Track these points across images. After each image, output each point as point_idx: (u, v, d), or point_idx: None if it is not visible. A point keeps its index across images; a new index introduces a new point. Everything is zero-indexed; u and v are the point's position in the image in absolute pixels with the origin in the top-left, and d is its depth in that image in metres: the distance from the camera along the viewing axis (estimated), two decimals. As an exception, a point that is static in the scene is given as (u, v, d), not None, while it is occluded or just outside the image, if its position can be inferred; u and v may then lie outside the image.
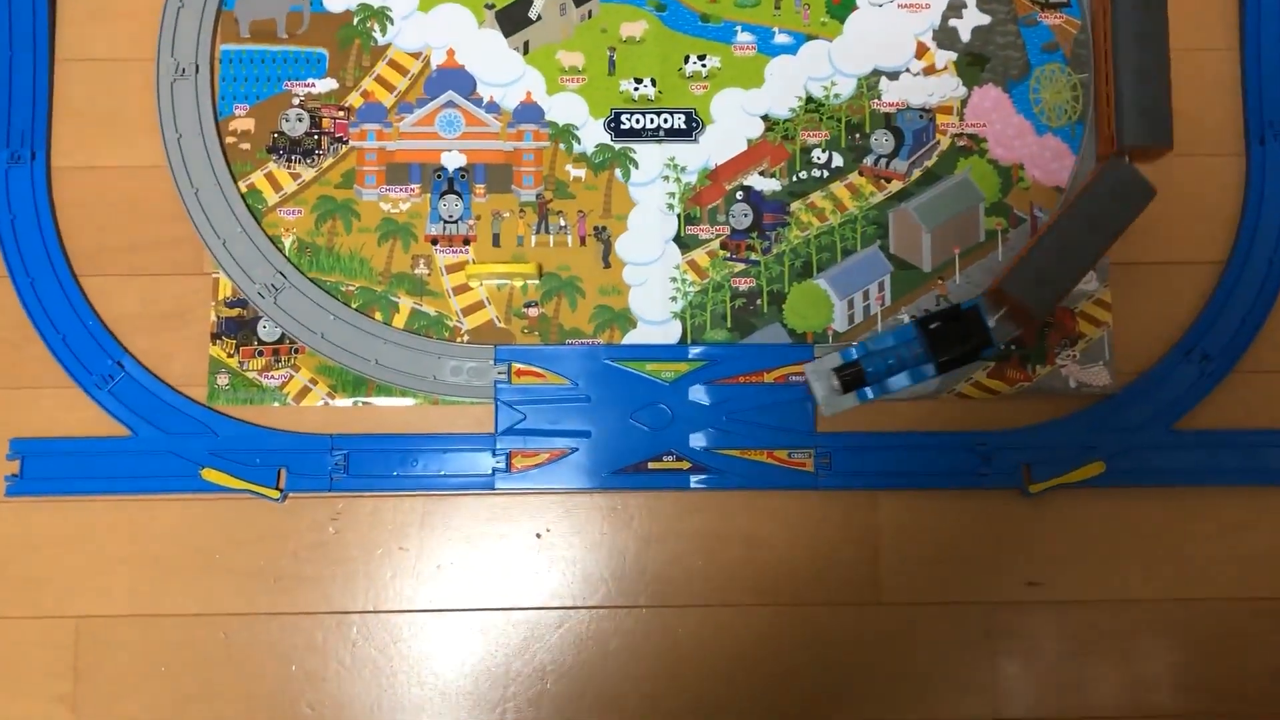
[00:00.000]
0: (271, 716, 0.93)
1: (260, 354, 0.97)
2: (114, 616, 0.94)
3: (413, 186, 0.99)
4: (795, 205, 0.99)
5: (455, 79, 1.00)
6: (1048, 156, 0.99)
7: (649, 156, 0.99)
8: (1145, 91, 0.89)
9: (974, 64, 1.01)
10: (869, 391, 0.92)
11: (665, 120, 1.00)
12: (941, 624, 0.95)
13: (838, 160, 0.99)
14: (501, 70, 1.00)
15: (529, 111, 1.00)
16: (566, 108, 1.00)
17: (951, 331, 0.91)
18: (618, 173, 0.99)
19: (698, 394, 0.95)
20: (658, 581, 0.95)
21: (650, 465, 0.95)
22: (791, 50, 1.01)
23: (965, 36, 1.01)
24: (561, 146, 1.00)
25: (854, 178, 0.99)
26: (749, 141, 1.00)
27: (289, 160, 0.99)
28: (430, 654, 0.94)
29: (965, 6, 1.01)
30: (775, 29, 1.01)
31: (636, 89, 1.00)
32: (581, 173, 0.99)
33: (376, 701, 0.94)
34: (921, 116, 1.00)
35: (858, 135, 1.00)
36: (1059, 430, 0.95)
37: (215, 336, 0.97)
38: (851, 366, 0.92)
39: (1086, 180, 0.91)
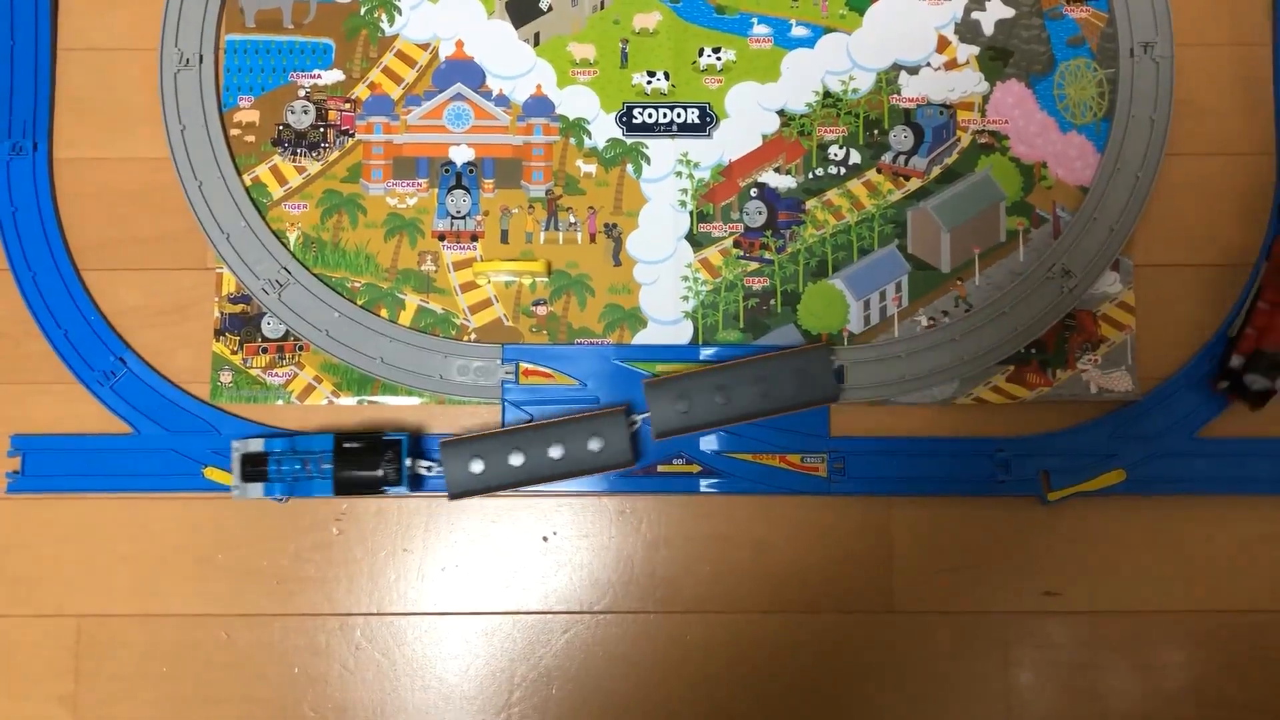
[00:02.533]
0: (273, 718, 0.92)
1: (264, 351, 0.95)
2: (115, 616, 0.93)
3: (420, 181, 0.97)
4: (811, 203, 0.97)
5: (464, 71, 0.98)
6: (1072, 155, 0.97)
7: (661, 152, 0.97)
8: None
9: (997, 58, 0.98)
10: (275, 488, 0.89)
11: (678, 115, 0.97)
12: (956, 633, 0.93)
13: (855, 157, 0.97)
14: (511, 62, 0.98)
15: (539, 105, 0.98)
16: (577, 101, 0.98)
17: (364, 456, 0.88)
18: (629, 168, 0.97)
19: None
20: (666, 586, 0.93)
21: (660, 468, 0.93)
22: (809, 43, 0.98)
23: (988, 30, 0.98)
24: (572, 141, 0.97)
25: (872, 175, 0.97)
26: (764, 137, 0.97)
27: (294, 153, 0.97)
28: (434, 657, 0.93)
29: (988, -1, 0.98)
30: (792, 21, 0.99)
31: (649, 82, 0.98)
32: (592, 168, 0.97)
33: (379, 705, 0.92)
34: (942, 112, 0.97)
35: (876, 131, 0.97)
36: (1079, 437, 0.93)
37: (218, 333, 0.95)
38: (258, 459, 0.89)
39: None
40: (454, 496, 0.89)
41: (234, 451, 0.89)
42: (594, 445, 0.88)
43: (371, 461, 0.88)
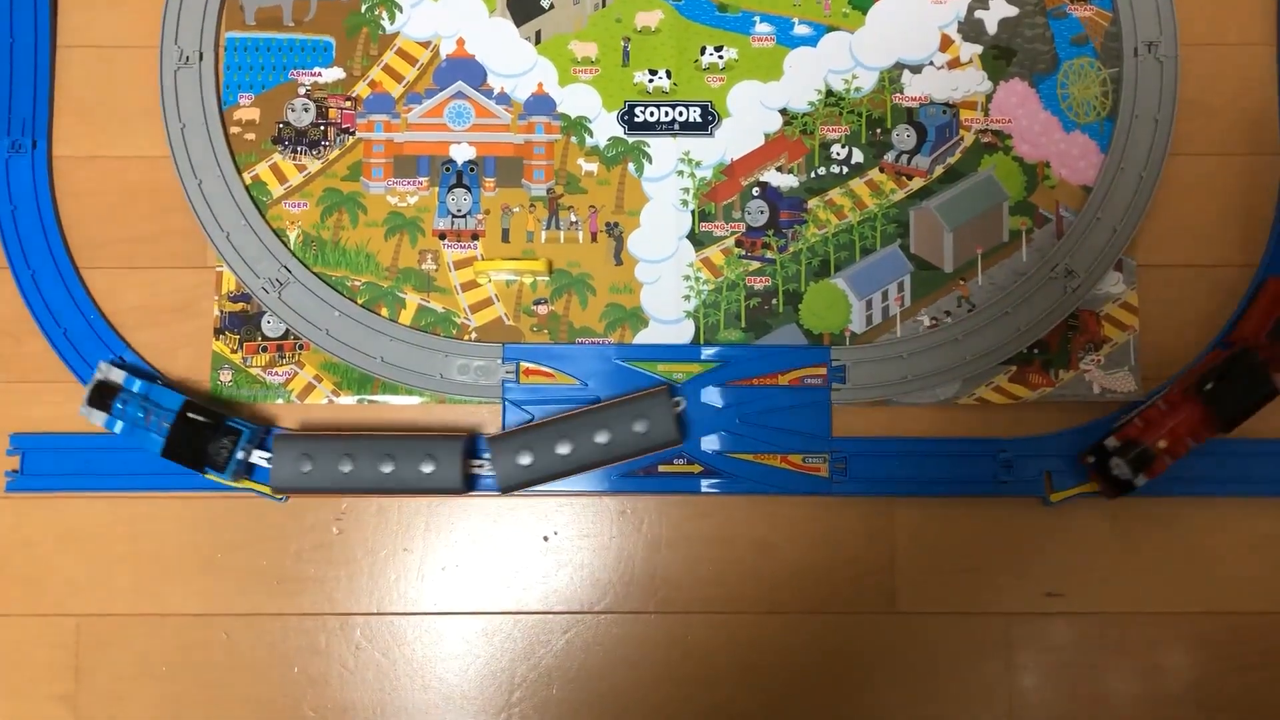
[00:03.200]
0: (273, 718, 0.92)
1: (264, 350, 0.95)
2: (115, 615, 0.93)
3: (420, 179, 0.97)
4: (813, 202, 0.96)
5: (465, 69, 0.98)
6: (1075, 154, 0.96)
7: (663, 151, 0.97)
8: None
9: (1000, 57, 0.97)
10: (112, 423, 0.88)
11: (680, 113, 0.97)
12: (958, 634, 0.92)
13: (858, 156, 0.97)
14: (513, 60, 0.98)
15: (540, 103, 0.97)
16: (579, 100, 0.97)
17: (201, 431, 0.87)
18: (631, 167, 0.97)
19: (710, 396, 0.93)
20: (667, 587, 0.93)
21: (661, 468, 0.93)
22: (811, 42, 0.98)
23: (991, 29, 0.98)
24: (573, 140, 0.97)
25: (874, 174, 0.96)
26: (766, 136, 0.97)
27: (294, 151, 0.97)
28: (435, 657, 0.93)
29: (992, -3, 0.98)
30: (795, 19, 0.98)
31: (651, 81, 0.97)
32: (594, 167, 0.97)
33: (380, 705, 0.92)
34: (945, 112, 0.97)
35: (879, 130, 0.97)
36: (1082, 437, 0.92)
37: (218, 331, 0.95)
38: (110, 390, 0.88)
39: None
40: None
41: (97, 371, 0.89)
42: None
43: (205, 440, 0.88)
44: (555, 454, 0.87)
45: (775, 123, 0.97)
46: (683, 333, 0.95)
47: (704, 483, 0.92)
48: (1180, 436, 0.87)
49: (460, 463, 0.88)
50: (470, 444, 0.90)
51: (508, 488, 0.88)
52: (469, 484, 0.90)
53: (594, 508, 0.94)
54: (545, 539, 0.94)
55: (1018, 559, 0.93)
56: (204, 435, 0.88)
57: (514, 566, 0.94)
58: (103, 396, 0.89)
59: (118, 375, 0.89)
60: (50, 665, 0.92)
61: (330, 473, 0.87)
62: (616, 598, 0.93)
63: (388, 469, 0.87)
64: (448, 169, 0.97)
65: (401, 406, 0.94)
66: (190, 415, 0.88)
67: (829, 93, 0.97)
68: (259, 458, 0.89)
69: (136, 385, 0.89)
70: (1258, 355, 0.87)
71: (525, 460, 0.88)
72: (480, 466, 0.90)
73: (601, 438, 0.87)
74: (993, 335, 0.94)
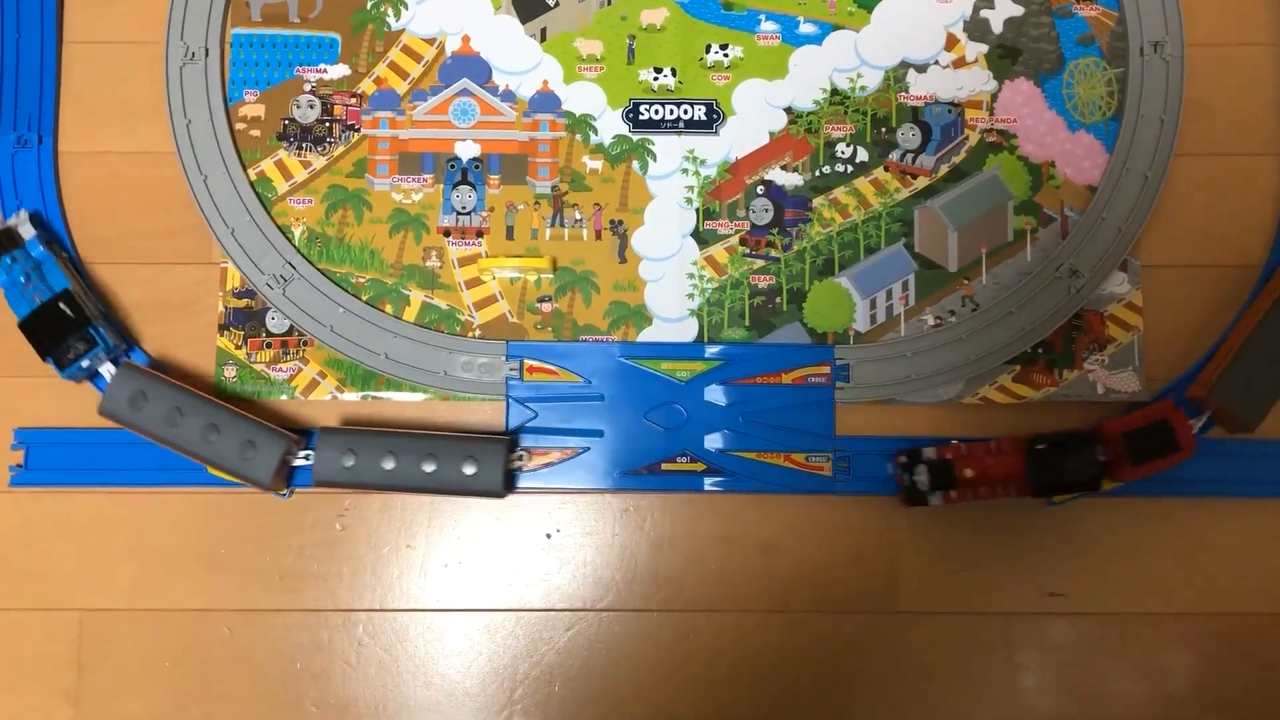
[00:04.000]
0: (276, 714, 0.92)
1: (268, 346, 0.95)
2: (117, 610, 0.93)
3: (425, 176, 0.97)
4: (818, 201, 0.96)
5: (470, 66, 0.98)
6: (1080, 154, 0.96)
7: (668, 149, 0.97)
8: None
9: (1005, 57, 0.97)
10: None
11: (685, 111, 0.97)
12: (960, 634, 0.92)
13: (862, 155, 0.97)
14: (518, 58, 0.98)
15: (545, 100, 0.97)
16: (584, 97, 0.97)
17: (63, 324, 0.88)
18: (635, 165, 0.97)
19: (714, 394, 0.93)
20: (670, 585, 0.93)
21: (664, 466, 0.93)
22: (817, 40, 0.98)
23: (997, 28, 0.98)
24: (578, 137, 0.97)
25: (879, 173, 0.96)
26: (771, 134, 0.97)
27: (299, 148, 0.97)
28: (437, 654, 0.93)
29: (998, -3, 0.98)
30: (800, 18, 0.98)
31: (656, 79, 0.97)
32: (598, 164, 0.97)
33: (382, 702, 0.92)
34: (950, 111, 0.97)
35: (884, 129, 0.97)
36: (1086, 438, 0.92)
37: (223, 327, 0.95)
38: (8, 240, 0.89)
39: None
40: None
41: (15, 216, 0.90)
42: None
43: (63, 333, 0.88)
44: (378, 466, 0.87)
45: (780, 121, 0.97)
46: (686, 331, 0.95)
47: (707, 481, 0.92)
48: (990, 480, 0.87)
49: (503, 464, 0.88)
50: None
51: (320, 482, 0.88)
52: (509, 484, 0.90)
53: (597, 505, 0.94)
54: (548, 536, 0.94)
55: (1020, 559, 0.93)
56: (64, 328, 0.88)
57: (517, 564, 0.94)
58: (1, 243, 0.89)
59: (27, 231, 0.90)
60: (52, 660, 0.92)
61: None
62: (619, 596, 0.93)
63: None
64: (452, 166, 0.97)
65: (405, 403, 0.94)
66: (62, 305, 0.88)
67: (834, 91, 0.97)
68: (299, 458, 0.90)
69: (38, 251, 0.89)
70: (1106, 443, 0.87)
71: (348, 462, 0.87)
72: (307, 457, 0.89)
73: (428, 467, 0.87)
74: (997, 335, 0.94)
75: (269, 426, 0.89)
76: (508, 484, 0.90)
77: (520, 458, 0.91)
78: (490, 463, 0.88)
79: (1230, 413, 0.88)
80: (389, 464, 0.87)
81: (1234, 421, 0.89)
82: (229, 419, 0.88)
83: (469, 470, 0.87)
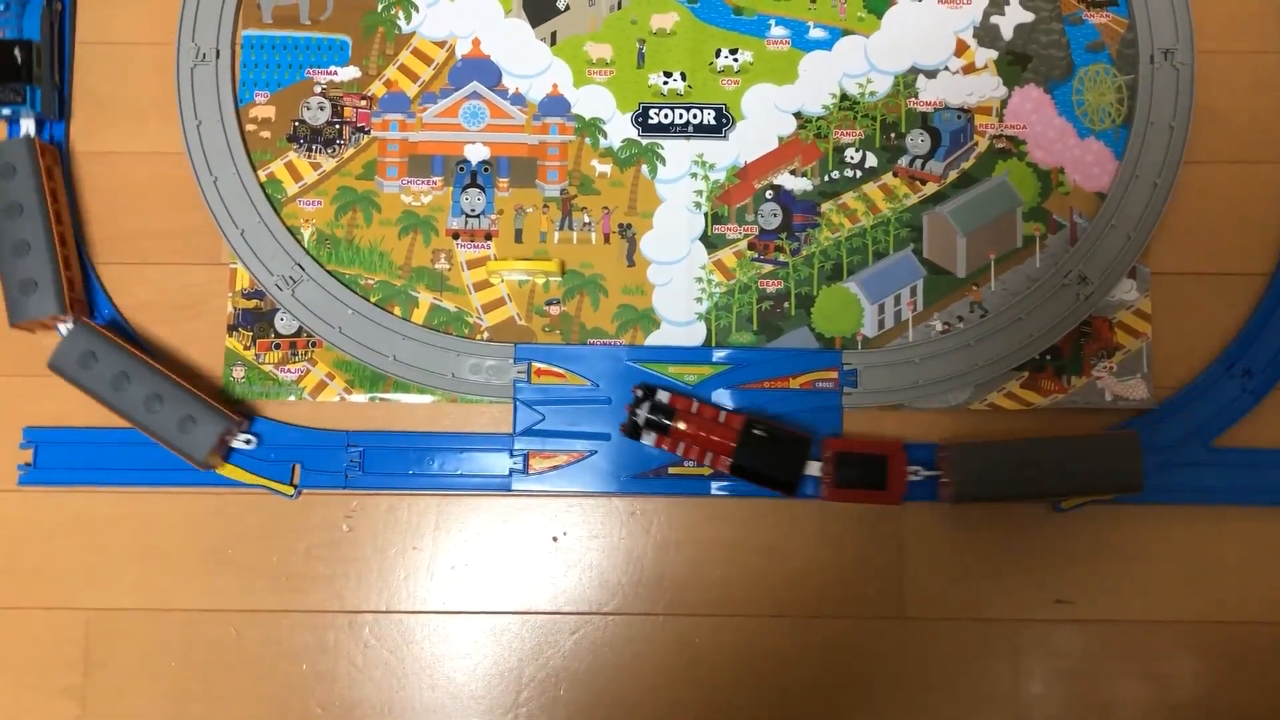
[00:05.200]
0: (281, 715, 0.92)
1: (277, 347, 0.95)
2: (124, 610, 0.93)
3: (435, 179, 0.97)
4: (826, 206, 0.96)
5: (480, 69, 0.98)
6: (1089, 161, 0.96)
7: (677, 153, 0.97)
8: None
9: (1015, 63, 0.97)
10: None
11: (695, 116, 0.97)
12: (966, 640, 0.92)
13: (872, 160, 0.97)
14: (528, 61, 0.98)
15: (555, 104, 0.98)
16: (593, 101, 0.97)
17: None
18: (644, 169, 0.97)
19: (721, 398, 0.93)
20: (676, 589, 0.93)
21: (671, 470, 0.93)
22: (827, 45, 0.98)
23: (1007, 34, 0.98)
24: (587, 141, 0.97)
25: (888, 179, 0.96)
26: (780, 139, 0.97)
27: (309, 149, 0.97)
28: (443, 656, 0.93)
29: (1008, 3, 0.98)
30: (810, 23, 0.98)
31: (666, 83, 0.97)
32: (607, 168, 0.97)
33: (387, 703, 0.92)
34: (959, 117, 0.97)
35: (893, 135, 0.97)
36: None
37: (232, 328, 0.95)
38: None
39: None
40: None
41: None
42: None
43: None
44: (106, 384, 0.88)
45: (789, 126, 0.97)
46: (694, 335, 0.95)
47: (714, 485, 0.92)
48: (700, 443, 0.88)
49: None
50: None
51: (52, 366, 0.88)
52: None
53: (603, 509, 0.94)
54: (554, 539, 0.94)
55: (1027, 566, 0.93)
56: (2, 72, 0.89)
57: (523, 566, 0.94)
58: None
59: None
60: (59, 658, 0.92)
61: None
62: (625, 599, 0.93)
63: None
64: (462, 169, 0.97)
65: (413, 405, 0.94)
66: (16, 51, 0.89)
67: (843, 97, 0.97)
68: (240, 441, 0.90)
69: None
70: (822, 456, 0.88)
71: (87, 365, 0.88)
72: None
73: (154, 408, 0.88)
74: (1005, 341, 0.93)
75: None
76: (226, 456, 0.91)
77: (248, 441, 0.91)
78: (204, 431, 0.87)
79: (950, 485, 0.87)
80: (121, 388, 0.88)
81: (946, 493, 0.88)
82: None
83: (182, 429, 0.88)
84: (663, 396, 0.89)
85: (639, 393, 0.90)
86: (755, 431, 0.88)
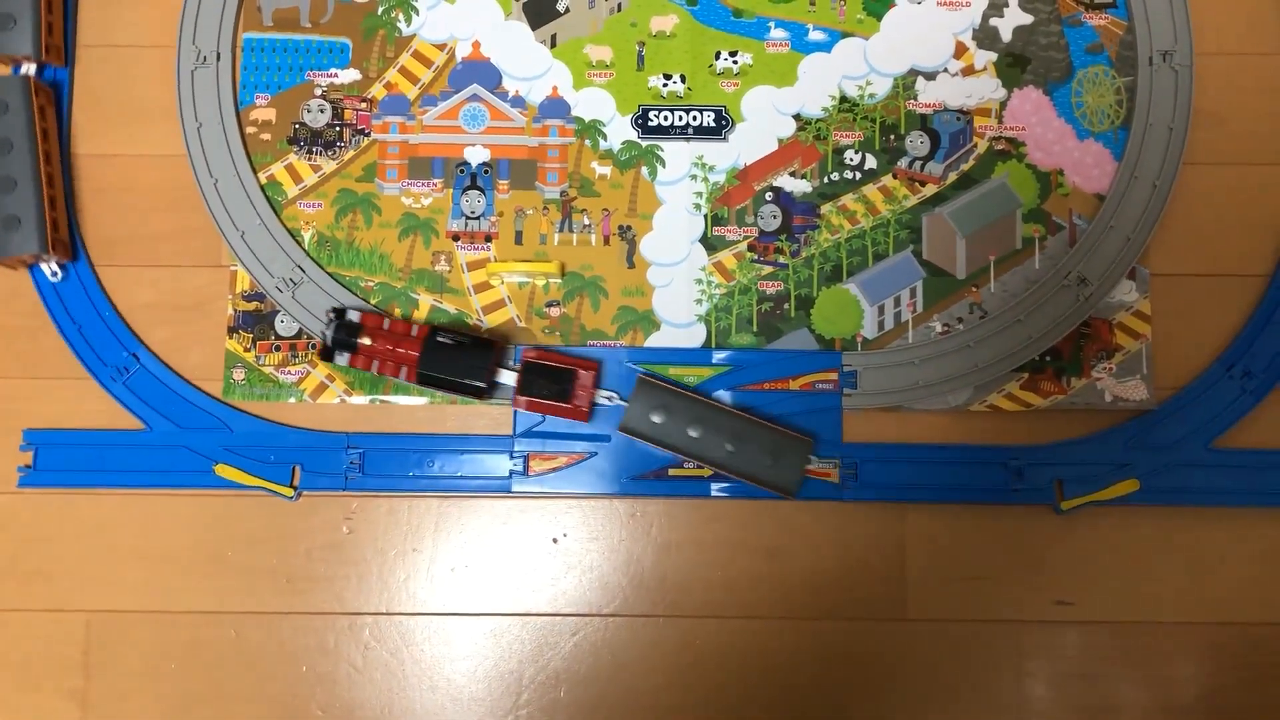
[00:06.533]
0: (281, 717, 0.92)
1: (277, 349, 0.95)
2: (125, 612, 0.93)
3: (435, 181, 0.97)
4: (826, 207, 0.96)
5: (480, 72, 0.98)
6: (1089, 162, 0.96)
7: (677, 155, 0.97)
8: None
9: (1014, 65, 0.97)
10: None
11: (694, 118, 0.97)
12: (969, 642, 0.92)
13: (871, 162, 0.97)
14: (528, 64, 0.98)
15: (555, 106, 0.98)
16: (593, 103, 0.98)
17: None
18: (644, 171, 0.97)
19: (722, 400, 0.93)
20: (676, 591, 0.93)
21: (671, 472, 0.93)
22: (826, 48, 0.98)
23: (1006, 36, 0.98)
24: (587, 143, 0.97)
25: (887, 180, 0.97)
26: (780, 141, 0.97)
27: (310, 152, 0.97)
28: (443, 658, 0.93)
29: (1007, 5, 0.98)
30: (810, 25, 0.98)
31: (665, 85, 0.98)
32: (607, 170, 0.97)
33: (387, 705, 0.92)
34: (959, 118, 0.97)
35: (892, 137, 0.97)
36: (1093, 446, 0.92)
37: (232, 330, 0.95)
38: None
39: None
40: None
41: None
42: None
43: None
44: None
45: (789, 128, 0.97)
46: (694, 336, 0.95)
47: (714, 486, 0.92)
48: (389, 355, 0.90)
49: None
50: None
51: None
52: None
53: (603, 510, 0.94)
54: (554, 541, 0.94)
55: (1028, 567, 0.93)
56: None
57: (523, 568, 0.94)
58: None
59: None
60: (60, 660, 0.92)
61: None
62: (625, 601, 0.93)
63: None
64: (462, 171, 0.97)
65: (413, 406, 0.94)
66: None
67: (843, 98, 0.98)
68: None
69: None
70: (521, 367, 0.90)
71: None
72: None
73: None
74: (1005, 342, 0.94)
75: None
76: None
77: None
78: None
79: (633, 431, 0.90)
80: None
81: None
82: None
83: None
84: (353, 315, 0.91)
85: (332, 315, 0.91)
86: (440, 339, 0.89)
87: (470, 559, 0.94)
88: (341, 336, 0.90)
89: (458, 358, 0.89)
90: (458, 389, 0.90)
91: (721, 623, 0.93)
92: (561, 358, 0.92)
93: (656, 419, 0.89)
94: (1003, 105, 0.97)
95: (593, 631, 0.93)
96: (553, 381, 0.90)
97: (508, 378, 0.91)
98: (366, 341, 0.90)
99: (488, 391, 0.90)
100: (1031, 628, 0.92)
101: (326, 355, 0.91)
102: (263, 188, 0.96)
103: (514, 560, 0.94)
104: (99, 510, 0.94)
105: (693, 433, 0.88)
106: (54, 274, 0.94)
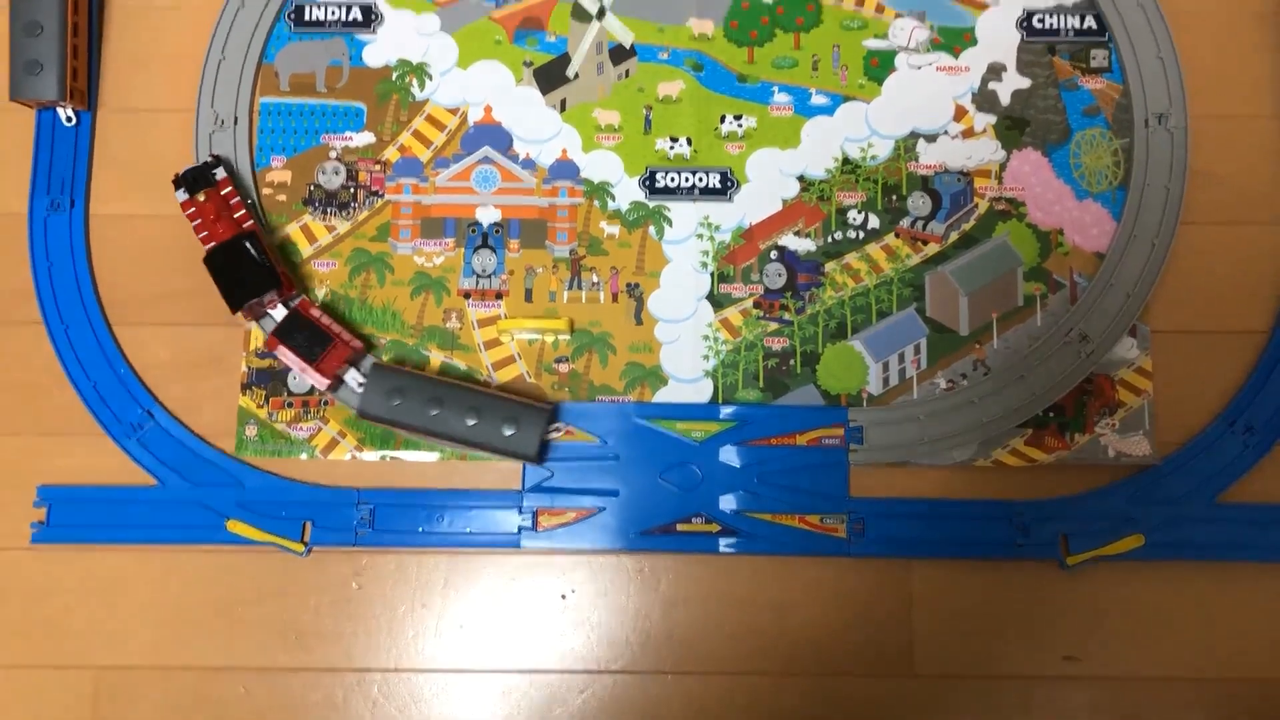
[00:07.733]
0: (288, 775, 0.92)
1: (289, 405, 0.96)
2: (134, 668, 0.93)
3: (447, 240, 0.99)
4: (830, 266, 0.98)
5: (492, 135, 1.01)
6: (1088, 221, 0.98)
7: (683, 215, 0.99)
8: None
9: (1013, 127, 1.00)
10: None
11: (700, 179, 0.99)
12: (976, 698, 0.92)
13: (874, 222, 0.99)
14: (538, 127, 1.01)
15: (564, 168, 1.00)
16: (602, 165, 1.00)
17: None
18: (651, 230, 0.99)
19: (728, 455, 0.94)
20: (684, 647, 0.93)
21: (679, 527, 0.93)
22: (829, 111, 1.00)
23: (1005, 100, 1.00)
24: (596, 203, 0.99)
25: (890, 239, 0.98)
26: (784, 201, 0.99)
27: (324, 213, 0.99)
28: (451, 715, 0.93)
29: (1005, 70, 1.00)
30: (812, 90, 1.01)
31: (672, 148, 1.00)
32: (615, 230, 0.99)
33: (395, 763, 0.92)
34: (959, 179, 0.99)
35: (894, 197, 0.99)
36: (1098, 501, 0.93)
37: (245, 387, 0.97)
38: None
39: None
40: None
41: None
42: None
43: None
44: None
45: (793, 189, 0.99)
46: (701, 392, 0.96)
47: (722, 542, 0.93)
48: (210, 210, 0.93)
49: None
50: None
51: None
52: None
53: (611, 566, 0.94)
54: (563, 597, 0.94)
55: (1035, 622, 0.93)
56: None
57: (531, 624, 0.94)
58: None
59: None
60: (68, 716, 0.92)
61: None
62: (633, 657, 0.93)
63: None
64: (473, 230, 0.99)
65: (423, 462, 0.95)
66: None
67: (845, 160, 1.00)
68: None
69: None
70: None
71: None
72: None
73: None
74: (1008, 398, 0.95)
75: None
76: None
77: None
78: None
79: (373, 416, 0.91)
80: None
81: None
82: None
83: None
84: (219, 174, 0.94)
85: (211, 158, 0.95)
86: (246, 244, 0.92)
87: (479, 615, 0.94)
88: (195, 174, 0.94)
89: (239, 271, 0.92)
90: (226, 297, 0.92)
91: (729, 679, 0.93)
92: (335, 322, 0.94)
93: (395, 401, 0.90)
94: (1002, 166, 0.99)
95: (601, 688, 0.93)
96: (311, 340, 0.91)
97: (277, 313, 0.94)
98: (201, 198, 0.93)
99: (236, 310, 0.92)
100: (1040, 683, 0.92)
101: (178, 181, 0.94)
102: (278, 248, 0.98)
103: (523, 617, 0.94)
104: (110, 566, 0.94)
105: (432, 411, 0.90)
106: (69, 119, 0.96)
